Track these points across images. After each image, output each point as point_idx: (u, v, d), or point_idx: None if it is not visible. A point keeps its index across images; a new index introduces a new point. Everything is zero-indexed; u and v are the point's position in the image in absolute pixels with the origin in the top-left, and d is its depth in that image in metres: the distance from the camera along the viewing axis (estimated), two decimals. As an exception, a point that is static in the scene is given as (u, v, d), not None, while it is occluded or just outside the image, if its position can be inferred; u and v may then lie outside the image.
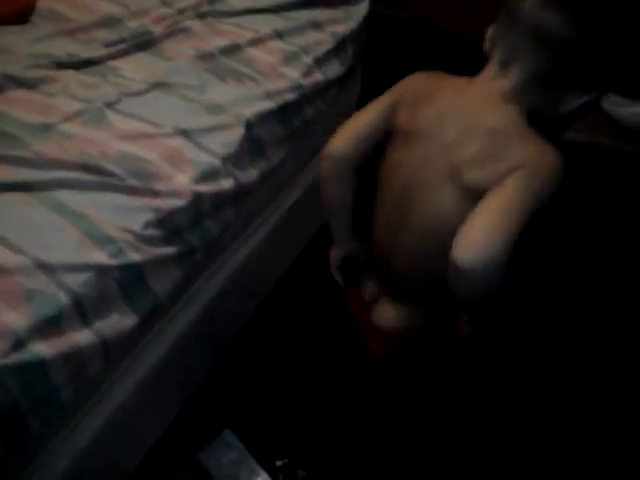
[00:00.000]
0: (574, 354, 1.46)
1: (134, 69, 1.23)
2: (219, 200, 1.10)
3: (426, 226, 1.02)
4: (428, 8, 2.50)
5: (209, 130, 1.12)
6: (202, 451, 1.27)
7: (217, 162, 1.09)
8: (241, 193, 1.16)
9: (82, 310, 0.85)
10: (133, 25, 1.33)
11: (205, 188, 1.05)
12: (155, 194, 1.00)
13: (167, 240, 1.00)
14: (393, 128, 1.07)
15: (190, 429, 1.27)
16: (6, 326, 0.77)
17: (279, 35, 1.35)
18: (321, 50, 1.38)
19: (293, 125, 1.29)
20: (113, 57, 1.25)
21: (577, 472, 1.28)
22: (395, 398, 1.28)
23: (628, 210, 1.62)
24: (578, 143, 1.46)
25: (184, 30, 1.33)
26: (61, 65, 1.20)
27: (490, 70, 0.99)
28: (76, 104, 1.10)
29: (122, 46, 1.27)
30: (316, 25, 1.42)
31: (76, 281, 0.84)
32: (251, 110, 1.19)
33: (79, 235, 0.88)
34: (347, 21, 1.47)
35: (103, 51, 1.25)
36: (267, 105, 1.22)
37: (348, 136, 1.10)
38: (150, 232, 0.96)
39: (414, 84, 1.08)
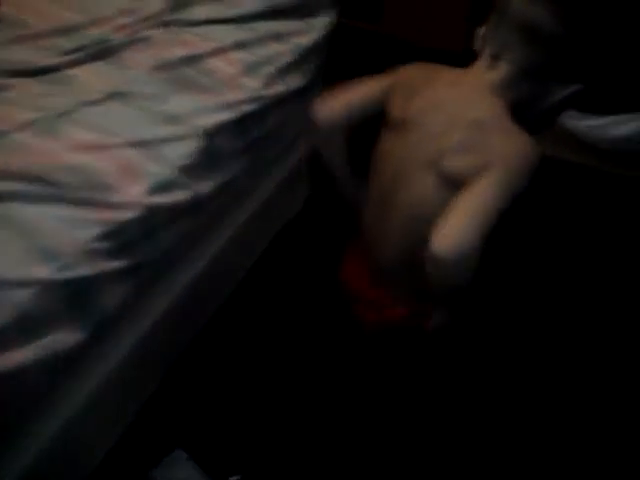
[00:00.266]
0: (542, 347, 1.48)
1: (92, 78, 1.21)
2: (174, 212, 1.09)
3: (409, 212, 1.06)
4: (399, 21, 2.53)
5: (166, 141, 1.11)
6: (153, 470, 1.25)
7: (173, 173, 1.08)
8: (197, 205, 1.15)
9: (26, 327, 0.84)
10: (93, 33, 1.32)
11: (159, 200, 1.04)
12: (106, 206, 0.99)
13: (117, 253, 0.98)
14: (387, 115, 1.11)
15: (141, 447, 1.25)
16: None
17: (240, 46, 1.35)
18: (282, 61, 1.38)
19: (253, 136, 1.29)
20: (71, 65, 1.23)
21: (559, 458, 1.29)
22: (377, 388, 1.30)
23: (586, 222, 1.66)
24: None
25: (145, 39, 1.32)
26: (17, 73, 1.19)
27: (481, 63, 1.03)
28: (30, 113, 1.08)
29: (81, 54, 1.25)
30: (278, 36, 1.42)
31: (20, 297, 0.83)
32: (209, 121, 1.18)
33: (24, 248, 0.87)
34: (309, 33, 1.47)
35: (61, 59, 1.23)
36: (226, 116, 1.21)
37: (339, 105, 1.15)
38: (99, 245, 0.95)
39: (409, 73, 1.11)
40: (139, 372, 1.18)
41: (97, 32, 1.32)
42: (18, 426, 0.91)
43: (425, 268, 0.97)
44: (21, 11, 1.36)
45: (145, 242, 1.04)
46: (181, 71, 1.26)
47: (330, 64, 1.60)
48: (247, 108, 1.26)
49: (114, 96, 1.17)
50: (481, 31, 1.05)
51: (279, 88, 1.35)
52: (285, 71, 1.38)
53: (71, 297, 0.90)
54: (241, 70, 1.30)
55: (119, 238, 0.99)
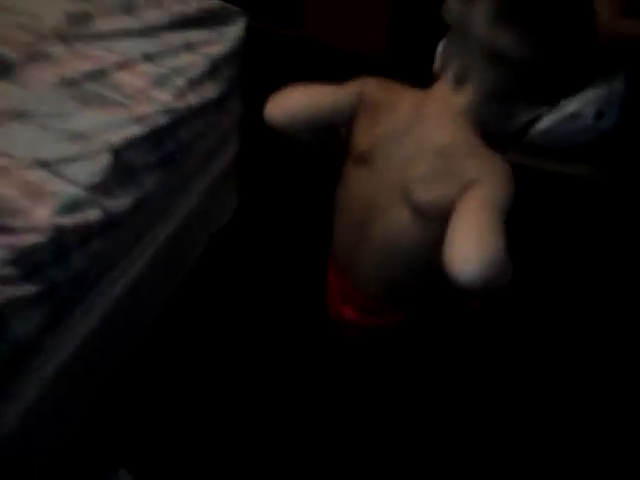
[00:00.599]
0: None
1: (-10, 98, 1.16)
2: (85, 232, 1.04)
3: (385, 245, 1.02)
4: (318, 25, 2.55)
5: (72, 159, 1.07)
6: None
7: (81, 192, 1.04)
8: (111, 224, 1.11)
9: None
10: (-10, 51, 1.26)
11: (68, 221, 1.00)
12: (11, 231, 0.94)
13: (26, 278, 0.94)
14: (350, 141, 1.06)
15: (82, 470, 1.21)
16: None
17: (148, 58, 1.32)
18: (194, 72, 1.35)
19: (167, 150, 1.26)
20: (-33, 86, 1.18)
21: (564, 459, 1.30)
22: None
23: (545, 226, 1.67)
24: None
25: (46, 55, 1.27)
26: None
27: (445, 85, 0.98)
28: None
29: (-23, 74, 1.20)
30: (189, 47, 1.40)
31: None
32: (118, 136, 1.15)
33: None
34: (221, 42, 1.45)
35: (-45, 80, 1.18)
36: (136, 130, 1.18)
37: (292, 107, 1.09)
38: (6, 271, 0.91)
39: (371, 91, 1.05)
40: (63, 398, 1.13)
41: (-6, 50, 1.27)
42: None
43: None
44: None
45: (56, 265, 0.99)
46: (86, 87, 1.22)
47: (249, 71, 1.59)
48: (158, 121, 1.23)
49: (14, 116, 1.12)
50: (439, 50, 1.00)
51: (191, 100, 1.33)
52: (197, 82, 1.36)
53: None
54: (150, 83, 1.27)
55: (28, 262, 0.94)
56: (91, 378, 1.24)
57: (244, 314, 1.52)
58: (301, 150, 1.27)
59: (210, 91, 1.40)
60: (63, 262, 1.01)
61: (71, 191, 1.04)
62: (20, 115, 1.12)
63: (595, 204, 1.50)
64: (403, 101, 1.01)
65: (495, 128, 1.00)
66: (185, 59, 1.38)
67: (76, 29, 1.35)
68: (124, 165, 1.15)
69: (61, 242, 1.00)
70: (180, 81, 1.32)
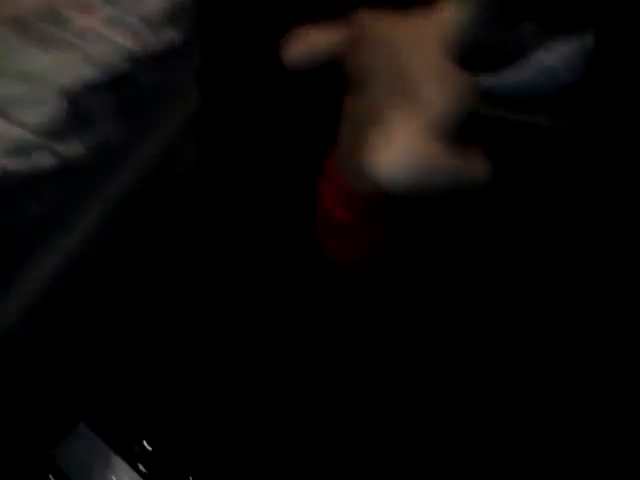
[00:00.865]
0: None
1: None
2: (36, 178, 1.00)
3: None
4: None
5: (20, 101, 1.02)
6: (55, 447, 1.20)
7: (30, 136, 0.99)
8: (66, 170, 1.07)
9: None
10: None
11: (15, 165, 0.95)
12: (-47, 174, 0.90)
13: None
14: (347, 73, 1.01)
15: (40, 426, 1.19)
16: None
17: (104, -2, 1.25)
18: (153, 14, 1.29)
19: (124, 95, 1.20)
20: None
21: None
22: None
23: (513, 177, 1.67)
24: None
25: (-7, -7, 1.20)
26: None
27: (441, 5, 0.92)
28: None
29: None
30: (148, -12, 1.33)
31: None
32: (72, 79, 1.09)
33: None
34: (183, -15, 1.39)
35: None
36: (91, 73, 1.12)
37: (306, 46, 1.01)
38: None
39: (371, 28, 0.99)
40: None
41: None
42: None
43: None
44: None
45: (4, 212, 0.96)
46: (36, 25, 1.15)
47: (209, 19, 1.53)
48: (115, 64, 1.17)
49: (-43, 55, 1.06)
50: None
51: (151, 43, 1.27)
52: (157, 26, 1.29)
53: None
54: (106, 22, 1.21)
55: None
56: (39, 340, 1.21)
57: (222, 249, 1.47)
58: (263, 98, 1.23)
59: (171, 36, 1.34)
60: (11, 209, 0.97)
61: (19, 134, 0.98)
62: (-36, 53, 1.06)
63: (561, 154, 1.51)
64: (398, 25, 0.96)
65: (492, 52, 1.01)
66: (144, 1, 1.31)
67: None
68: (79, 109, 1.10)
69: (8, 187, 0.95)
70: (138, 23, 1.25)
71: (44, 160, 1.01)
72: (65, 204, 1.13)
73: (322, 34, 1.10)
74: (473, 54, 0.99)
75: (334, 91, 1.19)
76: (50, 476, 1.16)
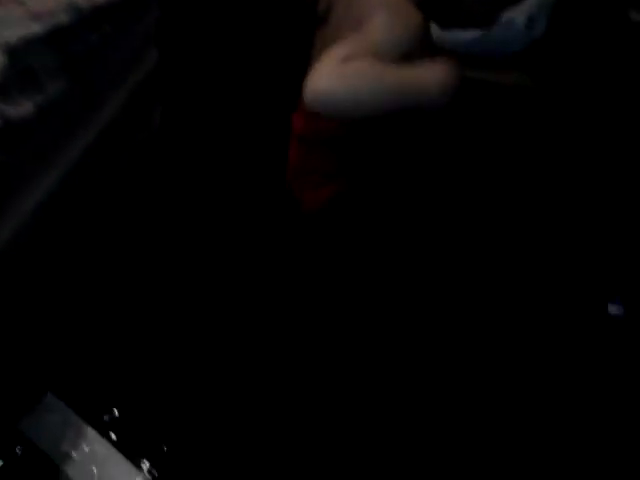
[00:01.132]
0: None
1: None
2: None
3: None
4: None
5: (-41, 58, 0.96)
6: (23, 419, 1.17)
7: (-29, 95, 0.94)
8: (13, 132, 1.02)
9: None
10: None
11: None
12: None
13: None
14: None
15: (8, 399, 1.16)
16: None
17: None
18: (100, -34, 1.22)
19: (72, 52, 1.14)
20: None
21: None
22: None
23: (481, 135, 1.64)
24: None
25: None
26: None
27: None
28: None
29: None
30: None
31: None
32: (14, 35, 1.03)
33: None
34: None
35: None
36: (35, 29, 1.06)
37: None
38: None
39: None
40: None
41: None
42: None
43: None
44: None
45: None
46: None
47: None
48: (61, 20, 1.11)
49: None
50: None
51: (98, -3, 1.20)
52: (104, -22, 1.23)
53: None
54: (48, -24, 1.14)
55: None
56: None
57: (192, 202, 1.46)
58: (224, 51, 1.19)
59: (120, -10, 1.27)
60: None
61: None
62: None
63: (528, 112, 1.49)
64: None
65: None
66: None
67: None
68: (23, 67, 1.04)
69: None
70: (83, -24, 1.19)
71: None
72: (13, 172, 1.08)
73: None
74: (440, 10, 0.98)
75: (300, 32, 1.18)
76: (17, 449, 1.14)
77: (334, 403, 1.18)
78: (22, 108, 1.04)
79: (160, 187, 1.48)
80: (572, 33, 1.49)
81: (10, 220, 1.09)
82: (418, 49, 0.99)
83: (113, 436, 1.18)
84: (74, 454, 1.15)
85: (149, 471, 1.15)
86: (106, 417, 1.20)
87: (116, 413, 1.21)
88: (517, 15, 1.54)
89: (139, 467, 1.15)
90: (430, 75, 0.96)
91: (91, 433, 1.18)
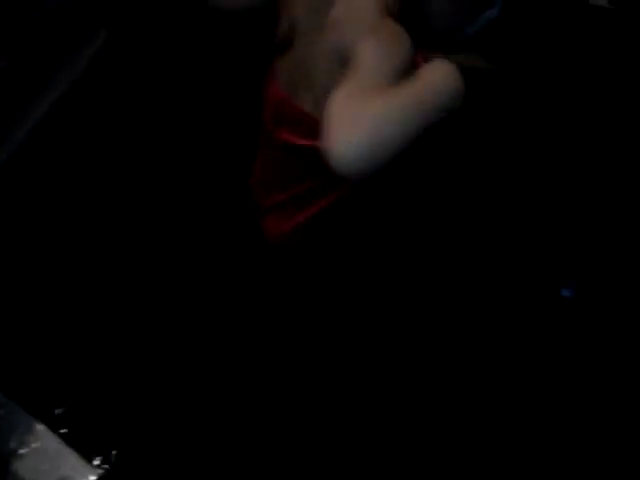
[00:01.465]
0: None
1: None
2: None
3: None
4: None
5: None
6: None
7: None
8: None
9: None
10: None
11: None
12: None
13: None
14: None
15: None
16: None
17: None
18: None
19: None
20: None
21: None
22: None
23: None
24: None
25: None
26: None
27: None
28: None
29: None
30: None
31: None
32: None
33: None
34: None
35: None
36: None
37: None
38: None
39: None
40: None
41: None
42: None
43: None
44: None
45: None
46: None
47: None
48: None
49: None
50: None
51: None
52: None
53: None
54: None
55: None
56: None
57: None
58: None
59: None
60: None
61: None
62: None
63: (481, 95, 1.50)
64: None
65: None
66: None
67: None
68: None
69: None
70: None
71: None
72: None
73: None
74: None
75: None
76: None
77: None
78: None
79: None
80: (528, 15, 1.50)
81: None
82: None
83: (64, 431, 1.15)
84: (23, 450, 1.12)
85: (100, 466, 1.12)
86: (58, 411, 1.17)
87: (67, 408, 1.17)
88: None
89: (90, 462, 1.12)
90: (441, 80, 0.87)
91: (41, 429, 1.15)
